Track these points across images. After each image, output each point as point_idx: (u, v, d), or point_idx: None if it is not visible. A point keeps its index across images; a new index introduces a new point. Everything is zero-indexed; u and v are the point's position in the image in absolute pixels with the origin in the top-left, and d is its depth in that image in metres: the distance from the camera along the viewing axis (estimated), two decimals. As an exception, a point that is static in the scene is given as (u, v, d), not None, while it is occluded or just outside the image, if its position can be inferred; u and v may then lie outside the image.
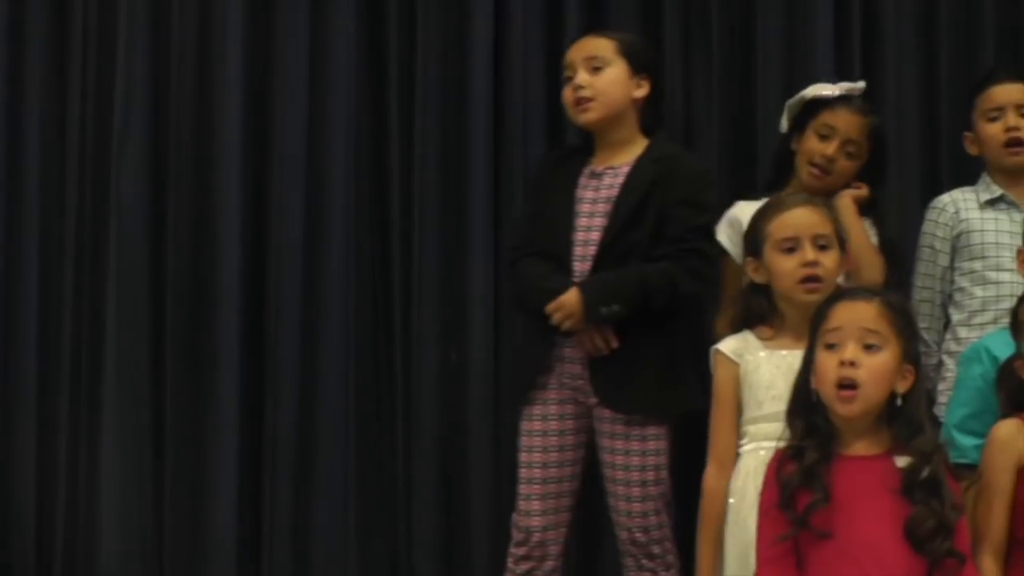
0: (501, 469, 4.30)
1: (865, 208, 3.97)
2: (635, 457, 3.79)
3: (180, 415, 4.36)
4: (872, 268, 3.87)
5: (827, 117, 3.96)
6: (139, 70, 4.42)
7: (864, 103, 4.01)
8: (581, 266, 3.82)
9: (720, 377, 3.46)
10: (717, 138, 4.49)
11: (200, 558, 4.35)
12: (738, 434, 3.42)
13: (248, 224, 4.40)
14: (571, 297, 3.73)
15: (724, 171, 4.43)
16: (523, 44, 4.50)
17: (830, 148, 3.94)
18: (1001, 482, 3.07)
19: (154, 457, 4.37)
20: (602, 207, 3.85)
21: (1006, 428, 3.12)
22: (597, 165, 3.91)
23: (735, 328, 3.52)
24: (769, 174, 4.09)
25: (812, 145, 3.96)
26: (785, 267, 3.42)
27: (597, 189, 3.88)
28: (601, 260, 3.80)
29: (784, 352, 3.37)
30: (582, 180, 3.90)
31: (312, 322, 4.40)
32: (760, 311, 3.48)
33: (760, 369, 3.40)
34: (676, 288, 3.76)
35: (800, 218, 3.46)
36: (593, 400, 3.81)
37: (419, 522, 4.38)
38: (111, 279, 4.38)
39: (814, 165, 3.95)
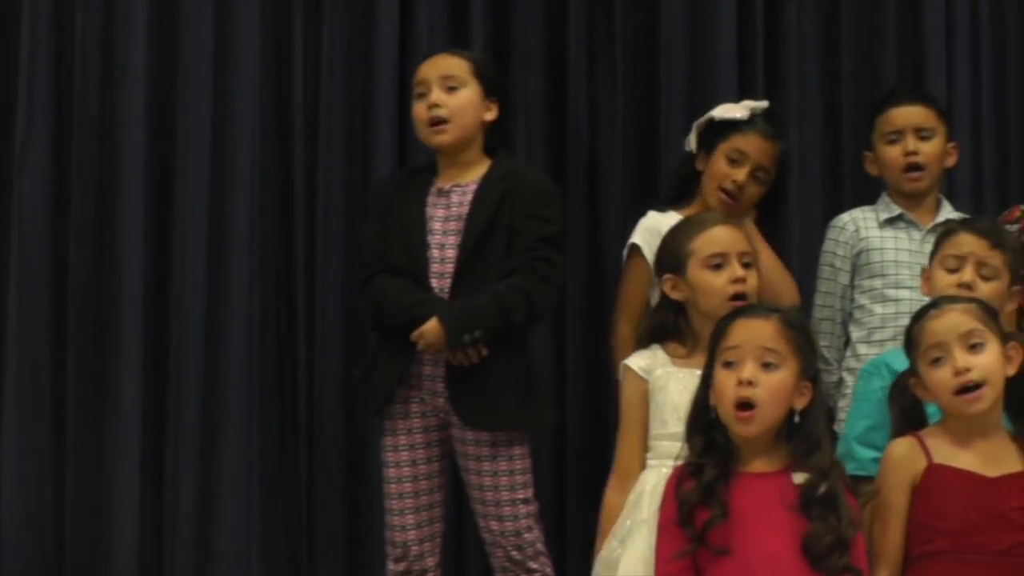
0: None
1: (767, 234, 3.99)
2: (503, 477, 3.79)
3: (81, 431, 4.27)
4: (787, 287, 3.92)
5: (738, 142, 3.96)
6: (41, 77, 4.34)
7: (771, 127, 4.03)
8: (439, 283, 3.82)
9: (628, 392, 3.47)
10: (621, 154, 4.50)
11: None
12: (645, 450, 3.43)
13: (150, 237, 4.34)
14: (432, 327, 3.72)
15: (628, 185, 4.47)
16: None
17: (740, 174, 3.94)
18: (896, 500, 3.09)
19: (54, 472, 4.29)
20: (454, 224, 3.85)
21: (901, 447, 3.14)
22: (443, 183, 3.90)
23: (642, 343, 3.53)
24: (672, 191, 4.09)
25: (722, 169, 3.96)
26: (714, 284, 3.44)
27: (447, 207, 3.87)
28: (459, 277, 3.80)
29: (695, 371, 3.35)
30: (430, 199, 3.89)
31: (215, 336, 4.34)
32: (674, 328, 3.49)
33: (668, 387, 3.41)
34: (532, 301, 3.77)
35: (726, 235, 3.50)
36: (453, 418, 3.80)
37: (322, 538, 4.35)
38: (12, 287, 4.29)
39: (724, 191, 3.95)
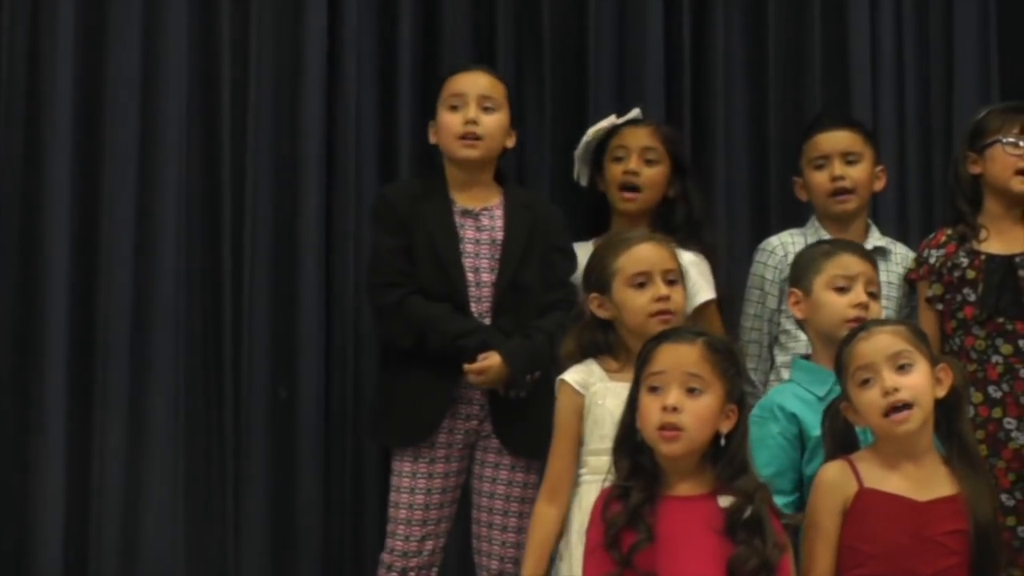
0: (331, 506, 4.27)
1: (690, 224, 4.01)
2: (516, 488, 3.84)
3: (4, 443, 4.21)
4: None
5: (615, 141, 4.06)
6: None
7: (644, 119, 4.11)
8: (477, 307, 3.84)
9: (563, 407, 3.47)
10: (549, 181, 4.50)
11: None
12: (578, 464, 3.43)
13: (76, 246, 4.27)
14: (498, 365, 3.75)
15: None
16: (356, 80, 4.46)
17: (630, 163, 4.00)
18: (827, 524, 3.09)
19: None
20: (486, 248, 3.87)
21: (831, 471, 3.14)
22: (468, 204, 3.90)
23: (577, 360, 3.52)
24: (588, 226, 4.10)
25: (614, 171, 4.03)
26: (638, 302, 3.45)
27: (478, 229, 3.88)
28: (499, 304, 3.83)
29: (628, 384, 3.31)
30: (457, 219, 3.88)
31: (140, 356, 4.28)
32: (604, 346, 3.50)
33: (605, 401, 3.41)
34: None
35: (651, 253, 3.50)
36: (483, 436, 3.84)
37: (248, 561, 4.30)
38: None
39: (623, 188, 4.00)
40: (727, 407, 3.04)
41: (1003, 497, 3.66)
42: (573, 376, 3.46)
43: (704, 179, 4.39)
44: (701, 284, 3.97)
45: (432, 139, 3.97)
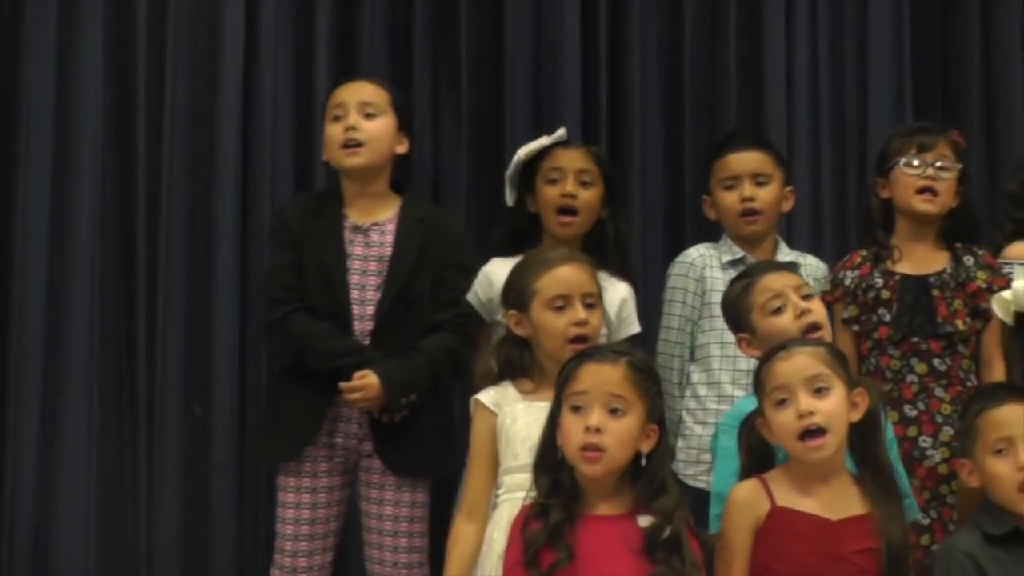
0: (245, 523, 4.27)
1: (619, 246, 4.01)
2: (404, 508, 3.84)
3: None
4: None
5: (549, 163, 4.00)
6: None
7: (573, 141, 4.09)
8: (360, 325, 3.82)
9: (478, 427, 3.46)
10: (465, 197, 4.53)
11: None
12: (494, 484, 3.42)
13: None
14: (373, 386, 3.73)
15: (472, 231, 4.42)
16: (272, 95, 4.47)
17: (567, 186, 3.97)
18: (740, 543, 3.10)
19: None
20: (374, 265, 3.86)
21: (744, 490, 3.16)
22: (359, 219, 3.89)
23: (493, 379, 3.52)
24: (512, 243, 4.04)
25: (549, 193, 3.98)
26: (555, 325, 3.44)
27: (367, 245, 3.87)
28: (382, 323, 3.82)
29: (543, 404, 3.34)
30: (347, 234, 3.87)
31: (55, 372, 4.28)
32: (520, 363, 3.49)
33: (518, 421, 3.40)
34: (458, 362, 3.86)
35: (571, 276, 3.49)
36: (364, 456, 3.82)
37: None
38: None
39: (560, 211, 3.96)
40: (648, 427, 3.06)
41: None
42: (487, 396, 3.46)
43: (620, 199, 4.40)
44: (633, 318, 3.98)
45: (324, 156, 3.96)
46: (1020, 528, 3.17)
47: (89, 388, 4.27)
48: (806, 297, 3.47)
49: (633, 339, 3.94)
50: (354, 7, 4.54)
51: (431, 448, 3.85)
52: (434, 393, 3.84)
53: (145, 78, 4.39)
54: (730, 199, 4.07)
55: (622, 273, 3.99)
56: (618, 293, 3.93)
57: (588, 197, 3.98)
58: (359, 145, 3.86)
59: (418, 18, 4.56)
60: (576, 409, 3.05)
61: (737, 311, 3.52)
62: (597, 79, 4.62)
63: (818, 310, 3.46)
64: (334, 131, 3.88)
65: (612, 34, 4.66)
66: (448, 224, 4.00)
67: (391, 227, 3.88)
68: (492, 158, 4.50)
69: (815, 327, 3.40)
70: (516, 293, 3.52)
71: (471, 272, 3.92)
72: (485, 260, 3.99)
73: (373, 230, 3.88)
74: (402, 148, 3.95)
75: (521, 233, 4.04)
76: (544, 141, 4.06)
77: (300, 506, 3.82)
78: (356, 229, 3.87)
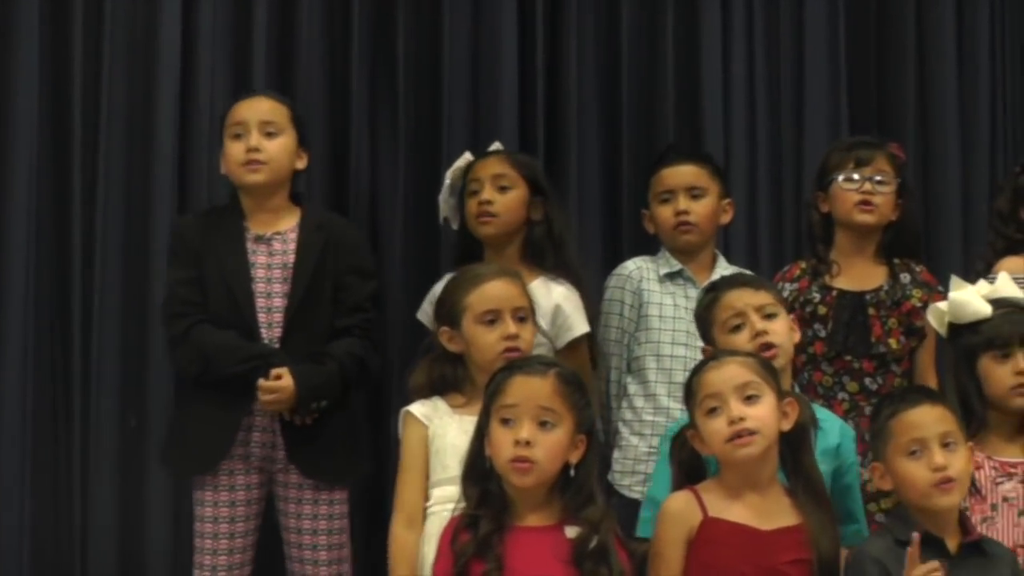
0: (181, 522, 4.20)
1: (555, 244, 4.00)
2: (323, 521, 3.84)
3: None
4: None
5: (470, 176, 4.04)
6: None
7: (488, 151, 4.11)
8: (268, 333, 3.83)
9: (409, 438, 3.46)
10: (403, 211, 4.52)
11: None
12: (426, 490, 3.42)
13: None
14: (288, 386, 3.74)
15: (410, 243, 4.50)
16: (210, 101, 4.44)
17: (483, 194, 3.98)
18: (672, 554, 3.10)
19: None
20: (278, 272, 3.86)
21: (676, 501, 3.16)
22: (260, 229, 3.89)
23: (425, 394, 3.52)
24: (462, 260, 4.01)
25: (469, 205, 4.01)
26: (487, 340, 3.45)
27: (270, 254, 3.88)
28: (289, 329, 3.82)
29: (475, 418, 3.32)
30: (249, 245, 3.88)
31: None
32: (453, 379, 3.50)
33: (448, 434, 3.41)
34: (366, 368, 3.88)
35: (500, 291, 3.50)
36: (279, 466, 3.83)
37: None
38: None
39: (478, 217, 3.98)
40: (576, 437, 3.08)
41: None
42: (417, 408, 3.47)
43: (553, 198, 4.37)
44: (576, 318, 3.95)
45: (222, 169, 3.96)
46: (929, 533, 3.16)
47: (23, 390, 4.24)
48: (769, 316, 3.45)
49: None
50: (290, 16, 4.54)
51: (343, 454, 3.86)
52: (343, 398, 3.86)
53: (81, 79, 4.37)
54: (665, 212, 4.08)
55: (564, 272, 3.99)
56: (551, 300, 3.93)
57: (506, 201, 3.99)
58: (261, 164, 3.87)
59: (356, 28, 4.54)
60: (506, 422, 3.07)
61: (702, 324, 3.54)
62: (534, 91, 4.62)
63: (777, 330, 3.44)
64: (235, 149, 3.89)
65: (549, 46, 4.66)
66: (346, 229, 4.02)
67: (293, 235, 3.89)
68: (430, 169, 4.50)
69: (768, 347, 3.38)
70: (447, 309, 3.54)
71: (371, 276, 3.96)
72: (427, 275, 4.01)
73: (275, 239, 3.89)
74: (301, 164, 3.97)
75: (467, 252, 4.04)
76: (468, 157, 4.10)
77: (219, 520, 3.81)
78: (258, 239, 3.88)
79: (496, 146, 4.15)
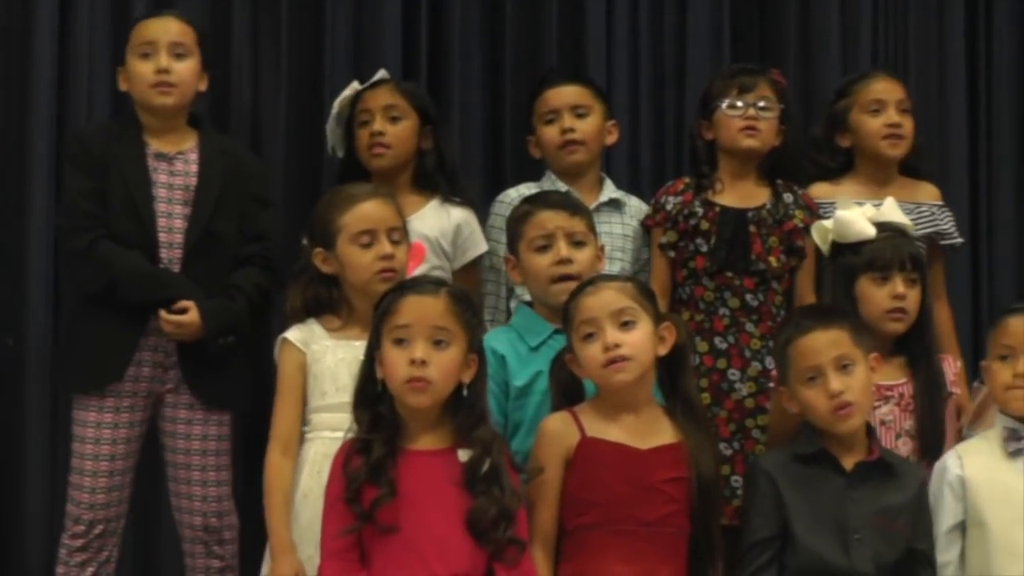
0: (57, 457, 4.18)
1: (446, 173, 4.05)
2: (212, 442, 3.84)
3: None
4: None
5: (359, 107, 4.05)
6: None
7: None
8: (168, 253, 3.80)
9: (285, 364, 3.46)
10: (284, 141, 4.52)
11: None
12: (303, 422, 3.43)
13: None
14: (194, 321, 3.73)
15: (291, 169, 4.49)
16: (89, 25, 4.42)
17: (374, 125, 4.00)
18: (550, 475, 3.15)
19: None
20: (179, 193, 3.84)
21: (555, 421, 3.21)
22: (162, 147, 3.86)
23: (301, 317, 3.53)
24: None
25: (360, 136, 4.02)
26: (362, 260, 3.44)
27: (171, 174, 3.85)
28: (191, 253, 3.80)
29: (352, 342, 3.40)
30: (151, 162, 3.84)
31: None
32: (328, 301, 3.50)
33: (325, 359, 3.42)
34: (267, 297, 3.87)
35: (376, 211, 3.50)
36: (169, 387, 3.81)
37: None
38: None
39: (371, 149, 3.99)
40: (469, 357, 3.09)
41: (722, 446, 3.76)
42: (294, 334, 3.46)
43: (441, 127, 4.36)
44: (477, 237, 4.03)
45: (123, 86, 3.94)
46: (828, 451, 3.27)
47: None
48: (577, 244, 3.50)
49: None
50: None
51: (240, 382, 3.86)
52: (251, 332, 3.85)
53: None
54: (551, 132, 4.11)
55: (455, 198, 4.04)
56: (451, 220, 3.98)
57: (397, 131, 4.01)
58: (171, 86, 3.84)
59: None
60: (399, 342, 3.06)
61: (512, 234, 3.58)
62: (418, 15, 4.61)
63: (581, 259, 3.48)
64: (144, 69, 3.85)
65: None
66: (248, 158, 4.03)
67: (194, 156, 3.87)
68: (312, 100, 4.51)
69: (568, 277, 3.42)
70: (321, 230, 3.52)
71: (272, 205, 3.97)
72: (310, 203, 3.93)
73: (178, 159, 3.86)
74: (203, 86, 3.96)
75: (355, 181, 3.99)
76: (356, 86, 4.09)
77: (100, 441, 3.78)
78: (160, 157, 3.85)
79: (382, 74, 4.14)
